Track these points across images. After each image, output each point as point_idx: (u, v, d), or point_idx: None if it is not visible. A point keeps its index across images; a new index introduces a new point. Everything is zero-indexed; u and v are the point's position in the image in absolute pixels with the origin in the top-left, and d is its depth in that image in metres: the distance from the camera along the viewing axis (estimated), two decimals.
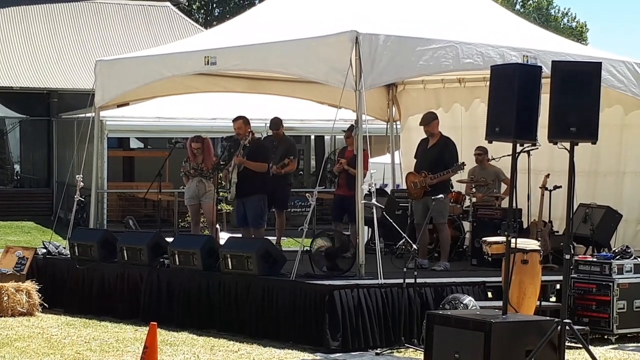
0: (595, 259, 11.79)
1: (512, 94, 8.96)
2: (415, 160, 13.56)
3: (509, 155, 9.47)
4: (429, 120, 13.25)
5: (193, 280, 12.00)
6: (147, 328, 8.51)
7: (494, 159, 14.47)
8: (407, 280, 10.62)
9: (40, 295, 12.74)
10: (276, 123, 15.14)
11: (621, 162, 14.51)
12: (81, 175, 14.21)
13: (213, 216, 14.14)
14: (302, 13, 13.13)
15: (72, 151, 21.52)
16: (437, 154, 13.10)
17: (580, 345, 9.59)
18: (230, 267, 11.64)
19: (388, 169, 17.47)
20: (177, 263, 12.23)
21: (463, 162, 13.25)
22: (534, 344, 8.48)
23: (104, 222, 21.82)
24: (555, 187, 13.20)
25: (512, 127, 8.96)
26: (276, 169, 14.43)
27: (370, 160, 13.53)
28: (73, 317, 12.54)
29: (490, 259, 11.07)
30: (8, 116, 29.13)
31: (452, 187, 14.59)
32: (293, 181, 16.07)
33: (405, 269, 10.61)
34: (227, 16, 37.92)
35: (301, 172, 30.00)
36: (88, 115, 14.82)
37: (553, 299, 12.39)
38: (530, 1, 60.89)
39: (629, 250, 11.83)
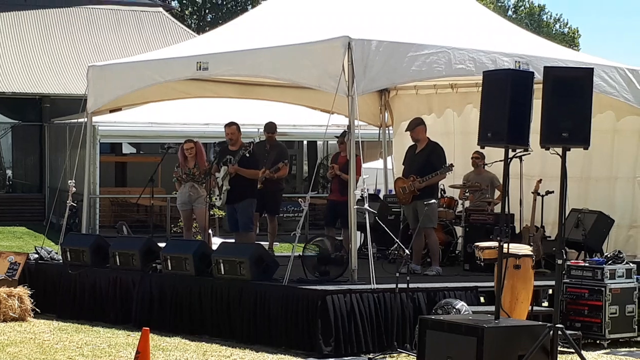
0: (587, 264, 11.80)
1: (505, 100, 8.98)
2: (404, 166, 13.58)
3: (501, 161, 9.48)
4: (414, 126, 13.30)
5: (185, 286, 11.99)
6: (140, 333, 8.50)
7: (486, 164, 14.49)
8: (400, 285, 10.63)
9: (32, 300, 12.73)
10: (271, 127, 15.16)
11: (613, 168, 14.54)
12: (73, 181, 14.19)
13: (205, 221, 14.14)
14: (295, 18, 13.15)
15: (64, 156, 21.51)
16: (425, 158, 13.13)
17: (573, 350, 9.60)
18: (222, 272, 11.64)
19: (381, 174, 17.49)
20: (170, 268, 12.22)
21: (451, 164, 13.27)
22: (526, 348, 8.49)
23: (96, 227, 21.81)
24: (548, 193, 13.24)
25: (504, 133, 8.99)
26: (269, 173, 14.44)
27: (363, 165, 13.55)
28: (65, 322, 12.53)
29: (482, 264, 11.09)
30: (0, 121, 29.09)
31: (445, 192, 14.61)
32: (285, 186, 16.08)
33: (397, 274, 10.62)
34: (220, 22, 37.92)
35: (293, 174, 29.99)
36: (80, 120, 14.81)
37: (545, 304, 12.41)
38: (523, 7, 61.00)
39: (621, 255, 11.85)
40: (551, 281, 11.01)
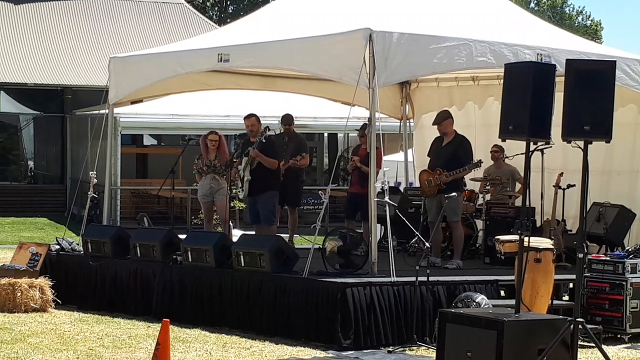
0: (608, 258, 11.75)
1: (526, 93, 8.94)
2: (428, 158, 13.54)
3: (522, 154, 9.44)
4: (441, 119, 13.23)
5: (205, 277, 12.01)
6: (160, 325, 8.53)
7: (507, 157, 14.44)
8: (420, 278, 10.62)
9: (53, 291, 12.78)
10: (288, 119, 15.15)
11: (635, 161, 14.45)
12: (94, 172, 14.24)
13: (226, 213, 14.14)
14: (316, 10, 13.14)
15: (85, 148, 21.58)
16: (452, 152, 13.07)
17: (593, 345, 9.57)
18: (242, 265, 11.65)
19: (401, 167, 17.45)
20: (190, 260, 12.25)
21: (480, 160, 13.22)
22: (546, 342, 8.47)
23: (117, 218, 21.87)
24: (569, 186, 13.18)
25: (525, 126, 8.95)
26: (293, 162, 14.45)
27: (384, 158, 13.53)
28: (86, 313, 12.58)
29: (503, 257, 11.04)
30: (22, 112, 29.23)
31: (466, 185, 14.56)
32: (305, 178, 16.07)
33: (417, 267, 10.61)
34: (241, 13, 37.97)
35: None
36: (102, 112, 14.85)
37: (566, 297, 12.37)
38: None
39: None
40: (572, 275, 10.96)
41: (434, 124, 13.36)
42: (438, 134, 13.38)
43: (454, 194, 12.29)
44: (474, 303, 10.49)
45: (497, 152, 14.57)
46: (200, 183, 14.56)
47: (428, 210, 13.33)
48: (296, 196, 15.15)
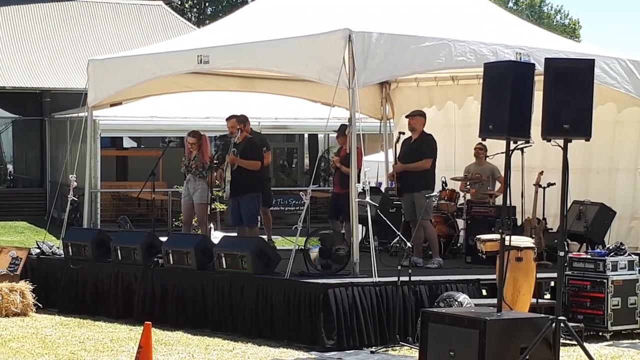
0: (589, 256, 11.78)
1: (506, 92, 8.96)
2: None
3: (502, 153, 9.46)
4: (414, 114, 13.34)
5: (187, 280, 11.99)
6: (142, 327, 8.50)
7: (487, 156, 14.47)
8: (402, 278, 10.63)
9: (34, 295, 12.73)
10: (242, 119, 14.93)
11: (614, 159, 14.52)
12: (74, 175, 14.19)
13: (205, 214, 14.04)
14: (295, 11, 13.13)
15: (65, 151, 21.52)
16: (415, 146, 13.17)
17: (575, 342, 9.59)
18: (224, 266, 11.63)
19: (382, 167, 17.46)
20: (171, 262, 12.22)
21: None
22: (528, 341, 8.49)
23: (98, 221, 21.81)
24: (549, 184, 13.22)
25: (505, 125, 8.97)
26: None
27: (364, 158, 13.53)
28: (67, 317, 12.53)
29: (484, 256, 11.07)
30: (1, 116, 29.10)
31: (446, 185, 14.59)
32: (272, 177, 15.97)
33: (399, 267, 10.61)
34: (220, 15, 37.88)
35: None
36: (81, 114, 14.81)
37: (547, 296, 12.39)
38: None
39: (622, 247, 11.83)
40: (553, 273, 10.98)
41: (407, 116, 13.44)
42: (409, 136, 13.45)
43: (434, 193, 12.32)
44: (456, 302, 10.50)
45: (481, 150, 14.57)
46: (185, 182, 14.50)
47: (404, 210, 13.39)
48: (267, 196, 15.13)
